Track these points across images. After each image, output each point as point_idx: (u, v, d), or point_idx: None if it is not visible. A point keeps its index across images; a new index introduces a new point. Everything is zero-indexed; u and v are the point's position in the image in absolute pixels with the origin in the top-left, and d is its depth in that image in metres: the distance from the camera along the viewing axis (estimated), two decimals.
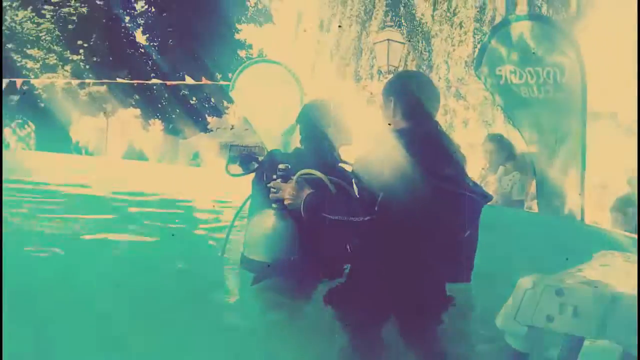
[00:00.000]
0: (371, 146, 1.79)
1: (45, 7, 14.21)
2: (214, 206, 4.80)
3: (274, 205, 1.93)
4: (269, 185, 1.93)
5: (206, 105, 17.10)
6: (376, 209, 1.59)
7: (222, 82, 11.92)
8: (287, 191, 1.83)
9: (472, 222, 1.80)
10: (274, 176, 1.92)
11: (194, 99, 16.75)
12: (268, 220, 1.94)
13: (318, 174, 1.85)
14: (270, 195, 1.92)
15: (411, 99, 1.85)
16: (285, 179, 1.89)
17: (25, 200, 4.60)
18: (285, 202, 1.85)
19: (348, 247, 2.04)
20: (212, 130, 19.04)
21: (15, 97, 14.51)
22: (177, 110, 16.54)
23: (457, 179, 1.72)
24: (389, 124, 1.90)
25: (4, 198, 3.57)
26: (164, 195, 5.68)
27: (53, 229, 3.66)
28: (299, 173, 1.84)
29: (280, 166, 1.92)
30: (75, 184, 6.02)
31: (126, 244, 3.38)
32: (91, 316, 2.01)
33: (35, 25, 14.31)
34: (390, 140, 1.72)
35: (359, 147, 2.07)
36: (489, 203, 1.81)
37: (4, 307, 1.66)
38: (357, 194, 1.77)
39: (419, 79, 2.03)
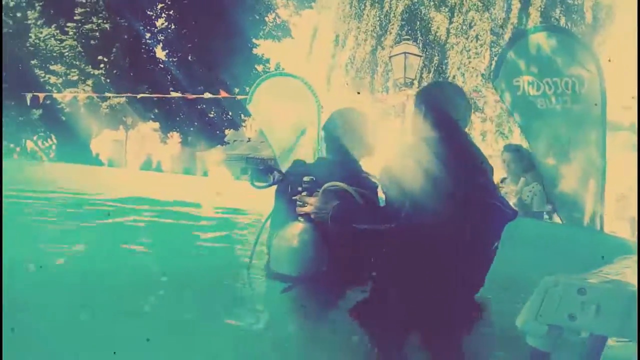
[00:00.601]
0: (400, 154, 1.79)
1: (68, 24, 14.59)
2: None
3: (300, 218, 1.93)
4: (294, 198, 1.94)
5: (224, 119, 17.30)
6: (403, 215, 1.59)
7: (239, 96, 12.09)
8: (313, 204, 1.85)
9: (499, 235, 1.76)
10: (299, 188, 1.93)
11: (212, 112, 16.97)
12: (295, 233, 1.93)
13: (345, 186, 1.85)
14: (296, 209, 1.92)
15: (442, 108, 1.86)
16: (311, 191, 1.89)
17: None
18: (312, 215, 1.86)
19: (372, 259, 2.05)
20: (228, 143, 19.22)
21: (38, 111, 14.88)
22: (195, 124, 16.78)
23: (487, 188, 1.71)
24: (415, 134, 1.89)
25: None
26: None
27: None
28: (325, 185, 1.85)
29: (305, 179, 1.92)
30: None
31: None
32: (108, 323, 2.01)
33: (58, 42, 14.70)
34: (420, 148, 1.72)
35: (380, 157, 2.08)
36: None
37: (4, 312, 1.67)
38: (385, 202, 1.76)
39: (451, 89, 2.04)
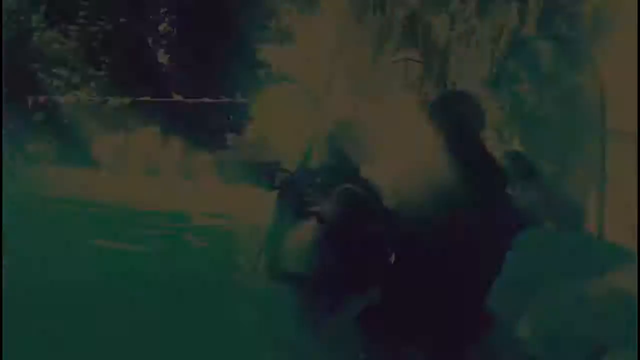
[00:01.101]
0: (414, 160, 1.80)
1: (71, 27, 14.64)
2: None
3: (310, 218, 1.97)
4: (306, 199, 1.98)
5: (225, 123, 17.33)
6: (411, 220, 1.60)
7: (241, 100, 12.11)
8: (325, 205, 1.89)
9: (509, 244, 1.77)
10: (309, 190, 1.97)
11: (213, 116, 16.98)
12: (307, 233, 1.96)
13: (358, 189, 1.90)
14: (307, 209, 1.96)
15: (457, 116, 1.88)
16: (321, 192, 1.94)
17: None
18: (321, 215, 1.90)
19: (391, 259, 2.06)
20: (230, 148, 19.20)
21: (41, 115, 14.89)
22: (197, 128, 16.77)
23: (502, 197, 1.72)
24: (429, 141, 1.89)
25: None
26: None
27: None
28: (338, 189, 1.90)
29: (316, 180, 2.00)
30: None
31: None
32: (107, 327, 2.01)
33: (61, 44, 14.74)
34: (433, 155, 1.74)
35: (383, 164, 2.09)
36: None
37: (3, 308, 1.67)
38: (394, 205, 1.78)
39: (465, 97, 2.06)
